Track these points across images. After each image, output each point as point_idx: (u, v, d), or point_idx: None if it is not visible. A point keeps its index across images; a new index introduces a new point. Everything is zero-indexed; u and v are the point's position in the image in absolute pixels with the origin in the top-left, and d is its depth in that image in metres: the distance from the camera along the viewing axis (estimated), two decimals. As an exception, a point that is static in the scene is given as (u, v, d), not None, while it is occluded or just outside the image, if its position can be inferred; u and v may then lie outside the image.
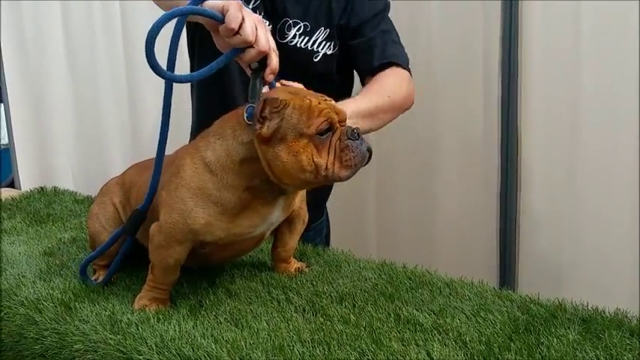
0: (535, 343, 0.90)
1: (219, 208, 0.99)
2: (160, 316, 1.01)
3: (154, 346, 0.92)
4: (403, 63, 1.40)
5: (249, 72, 1.04)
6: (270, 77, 1.02)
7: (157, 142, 1.06)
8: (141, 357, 0.90)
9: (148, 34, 0.92)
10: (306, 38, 1.37)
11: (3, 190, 2.22)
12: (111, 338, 0.95)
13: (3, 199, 1.86)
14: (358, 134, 0.98)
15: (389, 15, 1.45)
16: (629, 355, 0.86)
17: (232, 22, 0.97)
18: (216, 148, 1.00)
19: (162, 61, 0.97)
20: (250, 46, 0.99)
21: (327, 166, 0.96)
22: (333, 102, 1.01)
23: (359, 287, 1.12)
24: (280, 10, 1.36)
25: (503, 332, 0.94)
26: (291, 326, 0.97)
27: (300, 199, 1.14)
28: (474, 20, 1.89)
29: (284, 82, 1.10)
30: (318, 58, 1.38)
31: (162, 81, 1.01)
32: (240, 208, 1.00)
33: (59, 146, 2.70)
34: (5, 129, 2.73)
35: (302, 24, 1.37)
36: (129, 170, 1.28)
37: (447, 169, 2.03)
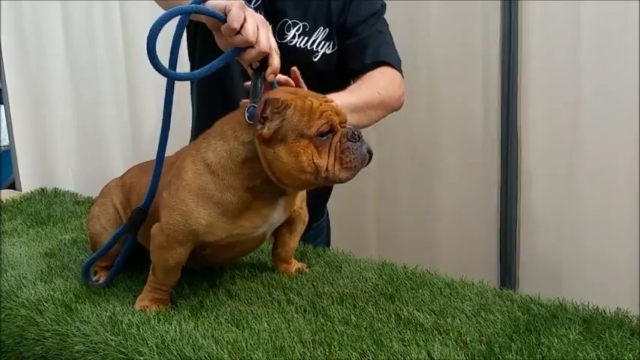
0: (536, 343, 0.90)
1: (221, 209, 1.00)
2: (161, 317, 1.01)
3: (154, 347, 0.92)
4: (395, 64, 1.40)
5: (250, 72, 1.04)
6: (271, 77, 1.02)
7: (158, 142, 1.06)
8: (142, 358, 0.90)
9: (150, 31, 0.92)
10: (306, 38, 1.38)
11: (3, 191, 2.22)
12: (112, 339, 0.95)
13: (4, 201, 1.86)
14: (359, 136, 0.98)
15: (385, 17, 1.45)
16: (630, 355, 0.86)
17: (234, 21, 0.97)
18: (217, 149, 1.00)
19: (163, 61, 0.97)
20: (251, 46, 0.99)
21: (327, 167, 0.96)
22: (334, 103, 1.01)
23: (359, 288, 1.12)
24: (280, 11, 1.36)
25: (504, 332, 0.94)
26: (291, 327, 0.97)
27: (300, 200, 1.14)
28: (474, 20, 1.89)
29: (281, 76, 1.10)
30: (318, 57, 1.39)
31: (163, 82, 1.01)
32: (241, 209, 1.01)
33: (60, 147, 2.70)
34: (6, 130, 2.73)
35: (301, 24, 1.37)
36: (129, 171, 1.28)
37: (447, 169, 2.03)
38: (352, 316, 1.00)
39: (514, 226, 1.91)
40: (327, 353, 0.89)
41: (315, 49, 1.38)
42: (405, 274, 1.18)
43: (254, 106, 0.98)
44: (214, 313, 1.03)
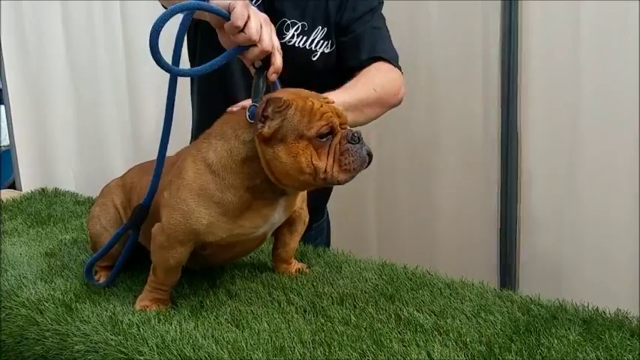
0: (536, 343, 0.90)
1: (221, 209, 1.00)
2: (161, 317, 1.01)
3: (154, 347, 0.92)
4: (392, 59, 1.39)
5: (252, 71, 1.04)
6: (273, 76, 1.03)
7: (160, 140, 1.06)
8: (142, 358, 0.91)
9: (153, 27, 0.92)
10: (304, 38, 1.38)
11: (4, 191, 2.23)
12: (112, 339, 0.95)
13: (4, 201, 1.86)
14: (359, 138, 0.98)
15: (385, 17, 1.45)
16: (630, 356, 0.86)
17: (238, 19, 0.97)
18: (217, 148, 1.00)
19: (165, 59, 0.97)
20: (254, 44, 0.99)
21: (326, 169, 0.96)
22: (335, 105, 1.01)
23: (359, 288, 1.12)
24: (279, 11, 1.36)
25: (504, 333, 0.94)
26: (291, 327, 0.97)
27: (300, 200, 1.14)
28: (474, 20, 1.89)
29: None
30: (317, 57, 1.39)
31: (163, 82, 1.01)
32: (242, 209, 1.01)
33: (60, 147, 2.70)
34: (6, 130, 2.73)
35: (300, 24, 1.37)
36: (130, 171, 1.29)
37: (446, 169, 2.02)
38: (352, 317, 1.00)
39: (514, 226, 1.91)
40: (327, 353, 0.89)
41: (313, 48, 1.38)
42: (405, 275, 1.18)
43: (255, 106, 0.98)
44: (214, 313, 1.03)
